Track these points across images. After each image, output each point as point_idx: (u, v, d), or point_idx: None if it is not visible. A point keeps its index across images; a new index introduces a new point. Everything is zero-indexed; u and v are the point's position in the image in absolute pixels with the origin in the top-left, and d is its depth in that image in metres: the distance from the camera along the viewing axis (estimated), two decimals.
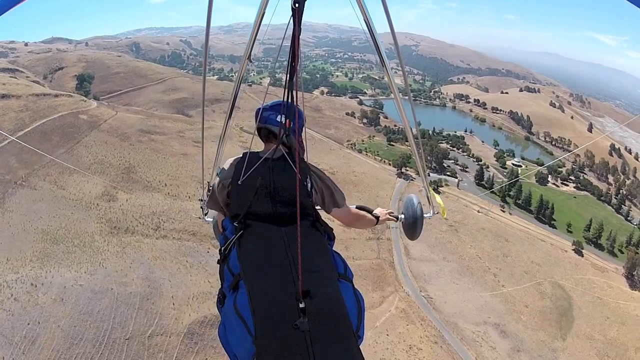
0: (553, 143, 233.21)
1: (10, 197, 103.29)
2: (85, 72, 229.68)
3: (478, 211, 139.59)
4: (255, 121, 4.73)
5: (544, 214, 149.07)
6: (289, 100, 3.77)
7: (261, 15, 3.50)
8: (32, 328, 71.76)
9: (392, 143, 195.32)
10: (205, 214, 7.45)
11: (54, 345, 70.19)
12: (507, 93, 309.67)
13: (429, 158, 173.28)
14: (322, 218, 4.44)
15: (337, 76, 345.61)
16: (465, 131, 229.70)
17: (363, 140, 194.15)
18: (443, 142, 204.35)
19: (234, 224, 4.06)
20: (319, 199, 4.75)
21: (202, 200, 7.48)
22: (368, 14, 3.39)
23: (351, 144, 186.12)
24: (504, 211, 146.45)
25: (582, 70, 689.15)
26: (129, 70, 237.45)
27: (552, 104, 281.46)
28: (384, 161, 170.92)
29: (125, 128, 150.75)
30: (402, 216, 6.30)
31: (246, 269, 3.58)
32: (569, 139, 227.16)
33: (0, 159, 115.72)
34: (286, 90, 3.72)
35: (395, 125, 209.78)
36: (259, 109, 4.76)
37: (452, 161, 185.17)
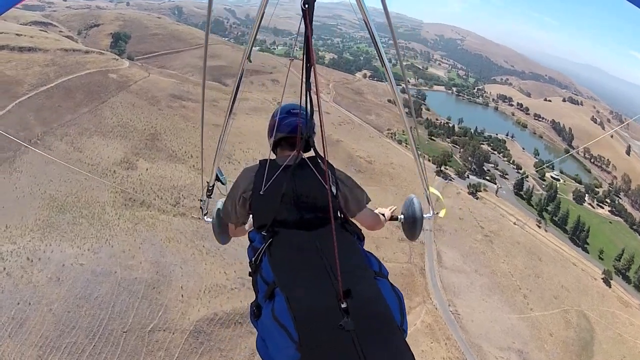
0: (592, 160, 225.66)
1: (22, 156, 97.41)
2: (122, 30, 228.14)
3: (514, 223, 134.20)
4: (271, 132, 4.88)
5: (579, 236, 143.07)
6: (307, 102, 3.89)
7: (260, 16, 3.63)
8: (22, 309, 65.76)
9: (433, 138, 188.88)
10: (205, 214, 7.22)
11: (44, 331, 64.18)
12: (550, 101, 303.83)
13: (469, 159, 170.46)
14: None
15: None
16: (507, 135, 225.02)
17: (404, 131, 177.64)
18: (484, 143, 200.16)
19: (262, 233, 4.12)
20: (343, 203, 4.62)
21: (202, 200, 7.24)
22: (367, 14, 3.49)
23: (391, 133, 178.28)
24: (539, 227, 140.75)
25: (622, 88, 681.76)
26: (168, 32, 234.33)
27: (594, 120, 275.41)
28: (424, 156, 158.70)
29: (156, 91, 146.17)
30: (402, 216, 6.27)
31: (281, 276, 3.58)
32: (607, 159, 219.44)
33: (18, 113, 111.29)
34: (303, 92, 3.83)
35: (437, 119, 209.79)
36: (275, 118, 4.89)
37: (492, 165, 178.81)
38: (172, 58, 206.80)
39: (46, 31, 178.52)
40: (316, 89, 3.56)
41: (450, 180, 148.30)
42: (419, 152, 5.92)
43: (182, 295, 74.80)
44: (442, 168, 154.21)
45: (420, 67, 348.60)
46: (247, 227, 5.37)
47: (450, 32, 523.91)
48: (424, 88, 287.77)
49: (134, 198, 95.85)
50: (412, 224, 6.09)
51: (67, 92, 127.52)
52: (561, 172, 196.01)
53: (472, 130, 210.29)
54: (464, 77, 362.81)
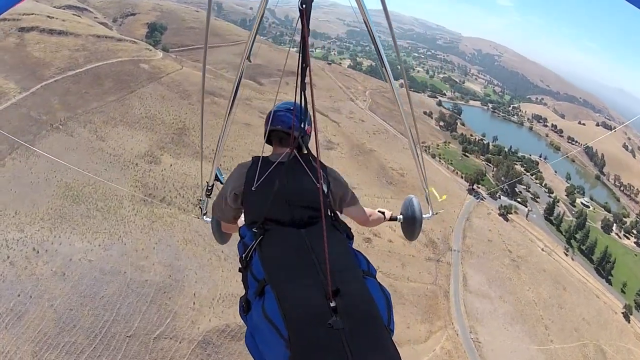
0: (621, 189, 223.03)
1: (41, 140, 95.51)
2: (158, 21, 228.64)
3: (542, 249, 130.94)
4: (267, 124, 4.90)
5: (604, 267, 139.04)
6: (302, 101, 4.00)
7: (260, 16, 3.67)
8: (22, 301, 63.37)
9: (466, 154, 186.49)
10: (204, 214, 7.48)
11: (42, 327, 61.61)
12: (584, 125, 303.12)
13: (502, 179, 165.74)
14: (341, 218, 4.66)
15: (418, 71, 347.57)
16: (540, 156, 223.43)
17: (438, 145, 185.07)
18: (517, 163, 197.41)
19: (253, 230, 4.14)
20: (334, 200, 4.70)
21: (200, 200, 7.40)
22: (367, 14, 3.51)
23: (426, 147, 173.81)
24: (567, 254, 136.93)
25: None
26: (205, 26, 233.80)
27: (625, 147, 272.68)
28: (457, 172, 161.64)
29: (188, 85, 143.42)
30: (401, 217, 6.33)
31: (271, 273, 3.63)
32: (637, 188, 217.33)
33: (43, 96, 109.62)
34: (298, 91, 3.94)
35: (471, 135, 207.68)
36: (271, 111, 4.92)
37: (524, 187, 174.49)
38: (207, 53, 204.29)
39: (80, 16, 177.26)
40: (311, 90, 3.64)
41: (482, 199, 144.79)
42: (419, 152, 5.71)
43: (193, 303, 71.78)
44: (475, 187, 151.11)
45: (457, 81, 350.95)
46: (239, 223, 5.19)
47: (488, 47, 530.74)
48: (460, 102, 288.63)
49: (155, 194, 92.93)
50: (411, 224, 6.07)
51: (95, 78, 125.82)
52: (591, 198, 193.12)
53: (507, 149, 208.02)
54: (499, 93, 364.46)
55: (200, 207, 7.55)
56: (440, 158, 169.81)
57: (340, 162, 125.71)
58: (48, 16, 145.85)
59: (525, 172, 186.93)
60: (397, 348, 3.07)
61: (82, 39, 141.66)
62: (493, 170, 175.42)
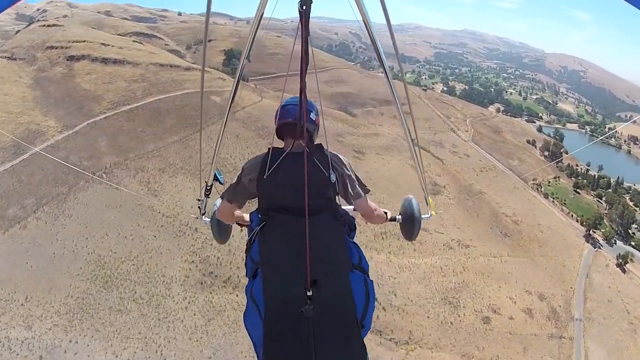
0: None
1: (77, 194, 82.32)
2: (236, 47, 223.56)
3: None
4: (276, 119, 5.20)
5: None
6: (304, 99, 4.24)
7: (259, 16, 3.75)
8: None
9: (578, 190, 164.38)
10: (203, 214, 7.43)
11: None
12: None
13: (618, 220, 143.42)
14: (346, 209, 5.19)
15: (511, 93, 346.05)
16: None
17: (549, 182, 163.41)
18: (625, 196, 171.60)
19: (259, 215, 4.61)
20: (342, 190, 4.97)
21: (199, 200, 7.33)
22: (367, 14, 3.63)
23: (537, 185, 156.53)
24: None
25: None
26: (288, 52, 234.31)
27: None
28: (571, 214, 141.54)
29: (268, 120, 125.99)
30: (400, 217, 6.60)
31: (264, 258, 4.09)
32: None
33: (88, 136, 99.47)
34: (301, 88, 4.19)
35: (577, 165, 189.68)
36: (278, 109, 5.27)
37: (637, 227, 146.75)
38: (291, 81, 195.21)
39: (142, 43, 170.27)
40: (300, 92, 4.08)
41: (599, 247, 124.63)
42: (419, 154, 6.10)
43: None
44: (591, 232, 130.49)
45: (550, 102, 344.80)
46: (238, 214, 5.88)
47: (573, 63, 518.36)
48: (558, 126, 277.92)
49: (217, 273, 75.94)
50: (410, 225, 6.34)
51: (154, 114, 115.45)
52: None
53: (614, 181, 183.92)
54: (591, 113, 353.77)
55: (199, 207, 7.12)
56: (553, 198, 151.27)
57: (449, 211, 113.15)
58: (102, 43, 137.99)
59: (635, 207, 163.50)
60: (365, 343, 3.50)
61: (141, 69, 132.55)
62: (606, 209, 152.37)
